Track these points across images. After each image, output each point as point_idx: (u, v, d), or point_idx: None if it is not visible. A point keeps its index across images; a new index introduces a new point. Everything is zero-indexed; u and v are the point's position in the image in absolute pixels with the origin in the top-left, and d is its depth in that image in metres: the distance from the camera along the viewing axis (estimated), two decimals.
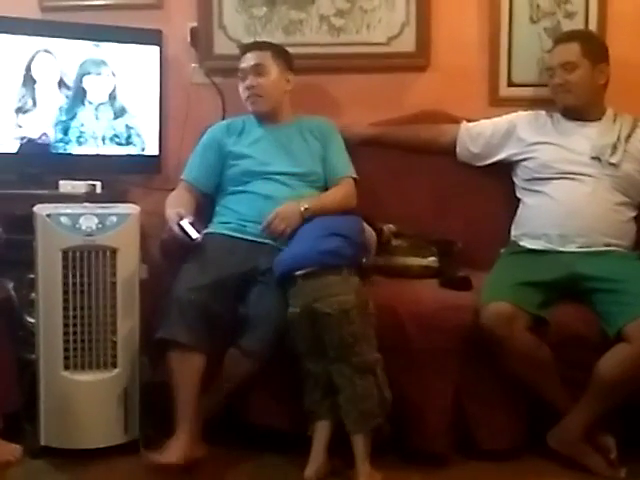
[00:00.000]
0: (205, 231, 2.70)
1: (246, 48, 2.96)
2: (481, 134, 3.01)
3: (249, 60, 2.90)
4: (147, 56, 3.19)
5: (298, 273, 2.44)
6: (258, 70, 2.87)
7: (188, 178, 2.90)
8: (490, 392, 2.53)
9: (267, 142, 2.90)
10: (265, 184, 2.81)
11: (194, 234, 2.57)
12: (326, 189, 2.88)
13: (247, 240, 2.71)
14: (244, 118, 2.98)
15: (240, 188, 2.84)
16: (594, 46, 2.89)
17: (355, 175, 2.90)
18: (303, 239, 2.58)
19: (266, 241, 2.70)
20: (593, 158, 2.77)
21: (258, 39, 3.16)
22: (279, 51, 2.94)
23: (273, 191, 2.79)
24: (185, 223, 2.59)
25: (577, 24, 3.14)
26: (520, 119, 2.98)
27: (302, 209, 2.66)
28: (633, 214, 2.79)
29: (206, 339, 2.47)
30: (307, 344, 2.43)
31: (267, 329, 2.48)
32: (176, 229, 2.59)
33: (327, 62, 3.24)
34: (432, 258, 2.80)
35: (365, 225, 2.68)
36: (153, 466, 2.39)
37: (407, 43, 3.22)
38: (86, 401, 2.57)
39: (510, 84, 3.22)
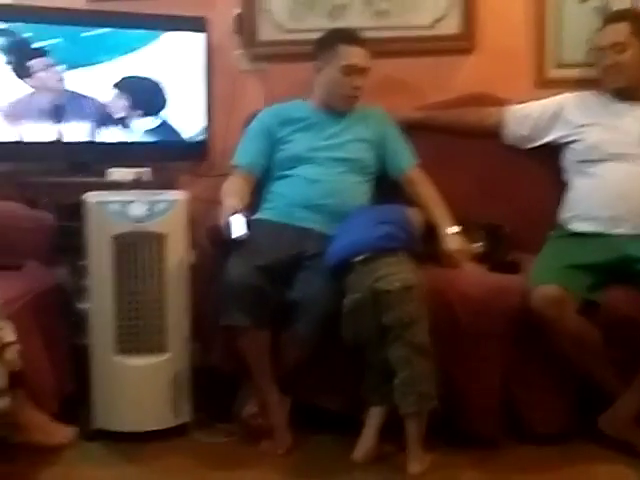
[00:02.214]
0: (253, 217, 2.72)
1: (359, 40, 2.86)
2: (528, 116, 2.98)
3: (363, 58, 2.83)
4: (193, 43, 3.21)
5: (357, 259, 2.45)
6: (366, 71, 2.84)
7: (241, 164, 2.88)
8: (539, 375, 2.52)
9: (319, 128, 2.88)
10: (312, 168, 2.81)
11: (237, 233, 2.54)
12: (376, 177, 2.89)
13: (294, 226, 2.72)
14: (294, 103, 2.97)
15: (287, 172, 2.84)
16: None
17: (416, 161, 2.92)
18: (354, 229, 2.59)
19: (313, 226, 2.71)
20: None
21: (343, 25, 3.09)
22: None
23: (320, 175, 2.79)
24: (235, 219, 2.56)
25: (626, 3, 3.08)
26: (568, 101, 2.94)
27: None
28: None
29: (265, 318, 2.51)
30: (367, 331, 2.42)
31: (315, 314, 2.49)
32: (225, 222, 2.58)
33: (371, 46, 3.20)
34: (480, 243, 2.79)
35: (412, 211, 2.68)
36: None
37: (452, 25, 3.20)
38: (137, 385, 2.61)
39: (557, 65, 3.18)
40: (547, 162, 2.97)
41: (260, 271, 2.50)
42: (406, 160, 2.92)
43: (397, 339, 2.39)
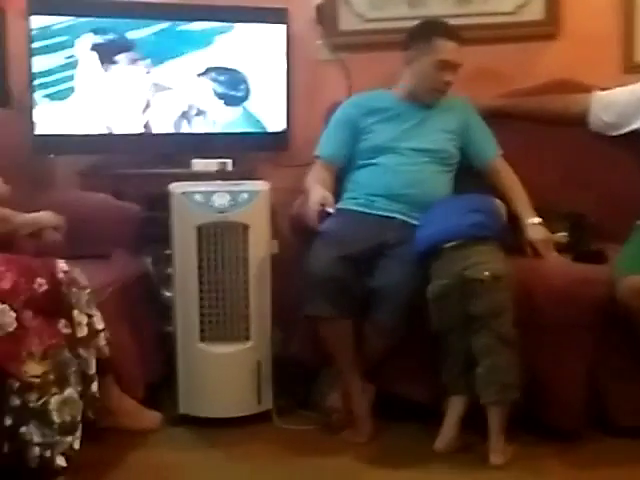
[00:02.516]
0: (336, 206, 2.72)
1: (456, 35, 2.80)
2: (615, 102, 2.90)
3: (457, 53, 2.79)
4: (273, 34, 3.24)
5: (447, 245, 2.45)
6: (456, 68, 2.80)
7: (325, 155, 2.89)
8: (625, 367, 2.46)
9: (402, 119, 2.86)
10: (394, 158, 2.80)
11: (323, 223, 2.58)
12: (459, 168, 2.87)
13: (376, 215, 2.72)
14: (378, 93, 2.95)
15: (369, 162, 2.84)
16: None
17: (500, 152, 2.89)
18: (443, 216, 2.57)
19: (394, 215, 2.71)
20: None
21: (440, 20, 2.95)
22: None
23: (401, 165, 2.78)
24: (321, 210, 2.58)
25: None
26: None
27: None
28: None
29: (347, 307, 2.52)
30: (452, 318, 2.41)
31: (397, 303, 2.49)
32: (311, 213, 2.59)
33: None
34: (563, 233, 2.74)
35: (498, 202, 2.66)
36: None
37: (536, 11, 3.14)
38: (221, 372, 2.66)
39: None
40: (634, 149, 2.89)
41: (342, 261, 2.51)
42: (490, 150, 2.89)
43: (483, 328, 2.37)
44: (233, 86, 3.24)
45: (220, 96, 3.22)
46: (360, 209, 2.76)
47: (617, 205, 2.86)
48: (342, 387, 2.62)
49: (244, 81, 3.23)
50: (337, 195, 2.84)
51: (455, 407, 2.44)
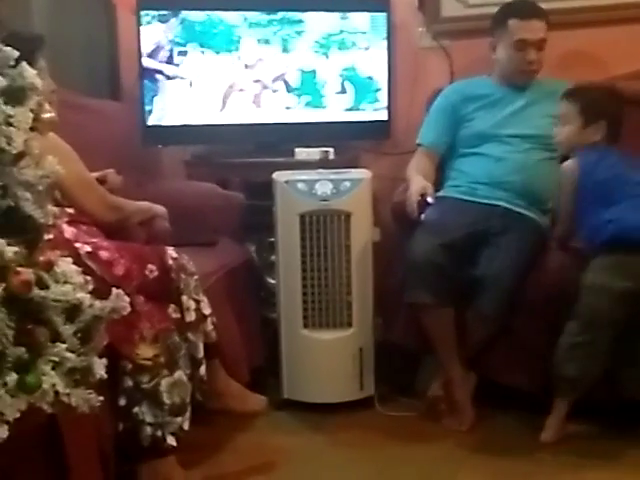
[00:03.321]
0: (438, 194, 2.72)
1: (530, 12, 2.77)
2: None
3: (536, 31, 2.76)
4: (375, 22, 3.24)
5: None
6: (541, 44, 2.77)
7: (426, 143, 2.89)
8: None
9: (503, 105, 2.84)
10: (497, 146, 2.77)
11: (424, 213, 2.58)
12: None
13: (478, 203, 2.70)
14: (478, 80, 2.95)
15: (472, 150, 2.82)
16: None
17: None
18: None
19: (498, 203, 2.68)
20: None
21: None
22: (547, 17, 2.80)
23: (505, 153, 2.75)
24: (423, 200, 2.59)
25: None
26: None
27: None
28: None
29: (449, 295, 2.53)
30: (612, 318, 2.31)
31: (500, 291, 2.48)
32: (412, 205, 2.60)
33: (557, 17, 3.10)
34: None
35: None
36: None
37: None
38: (324, 358, 2.70)
39: None
40: None
41: (444, 248, 2.51)
42: None
43: None
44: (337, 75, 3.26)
45: (320, 83, 3.24)
46: (463, 197, 2.74)
47: None
48: (443, 375, 2.63)
49: (348, 70, 3.25)
50: (439, 183, 2.83)
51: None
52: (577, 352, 2.33)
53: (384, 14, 3.25)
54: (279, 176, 2.68)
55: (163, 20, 3.10)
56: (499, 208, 2.67)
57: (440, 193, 2.77)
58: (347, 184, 2.65)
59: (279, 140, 3.21)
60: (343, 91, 3.26)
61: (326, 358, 2.70)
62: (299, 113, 3.24)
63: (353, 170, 2.77)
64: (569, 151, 2.57)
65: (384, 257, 2.72)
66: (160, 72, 3.12)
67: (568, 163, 2.51)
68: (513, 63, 2.80)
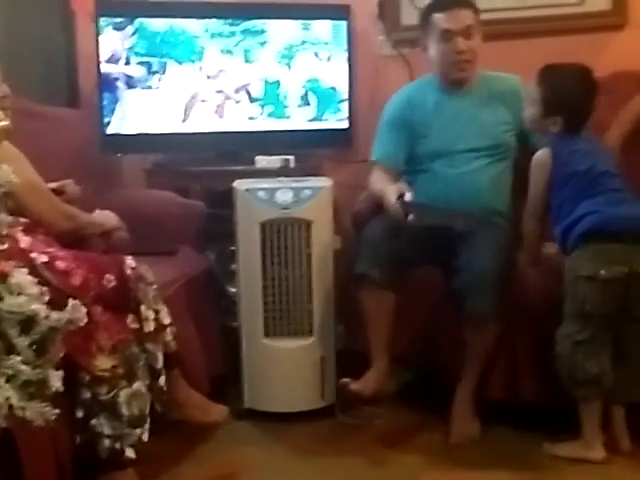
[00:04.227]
0: None
1: (452, 2, 2.69)
2: None
3: (460, 20, 2.66)
4: (336, 31, 3.24)
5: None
6: (468, 32, 2.66)
7: (381, 159, 2.80)
8: None
9: (453, 114, 2.74)
10: (452, 164, 2.69)
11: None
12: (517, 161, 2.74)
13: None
14: (423, 85, 2.84)
15: (426, 167, 2.74)
16: None
17: None
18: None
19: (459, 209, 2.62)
20: None
21: None
22: (476, 6, 2.73)
23: (460, 171, 2.68)
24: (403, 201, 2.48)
25: None
26: None
27: None
28: None
29: (397, 280, 2.53)
30: (607, 307, 2.30)
31: (490, 287, 2.43)
32: (396, 211, 2.47)
33: (516, 27, 3.16)
34: None
35: None
36: (348, 393, 2.56)
37: (602, 1, 3.08)
38: (285, 367, 2.69)
39: None
40: None
41: (406, 234, 2.49)
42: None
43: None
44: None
45: (282, 94, 3.24)
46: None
47: None
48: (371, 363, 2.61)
49: (311, 81, 3.25)
50: None
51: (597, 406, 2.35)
52: (586, 349, 2.30)
53: (344, 22, 3.26)
54: (240, 184, 2.67)
55: (120, 28, 3.07)
56: (463, 213, 2.60)
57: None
58: (308, 192, 2.65)
59: (240, 148, 3.21)
60: (307, 103, 3.26)
61: (287, 367, 2.69)
62: (260, 122, 3.23)
63: (314, 178, 2.77)
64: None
65: (345, 265, 2.71)
66: (119, 80, 3.09)
67: (540, 154, 2.46)
68: (444, 57, 2.70)
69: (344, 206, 2.88)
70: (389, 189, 2.56)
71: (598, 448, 2.34)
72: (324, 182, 2.70)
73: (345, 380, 2.59)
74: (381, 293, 2.56)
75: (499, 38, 3.10)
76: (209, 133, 3.19)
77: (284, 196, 2.64)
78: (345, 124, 3.29)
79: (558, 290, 2.37)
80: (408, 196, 2.48)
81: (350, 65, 3.28)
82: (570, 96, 2.44)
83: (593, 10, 3.09)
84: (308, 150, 3.28)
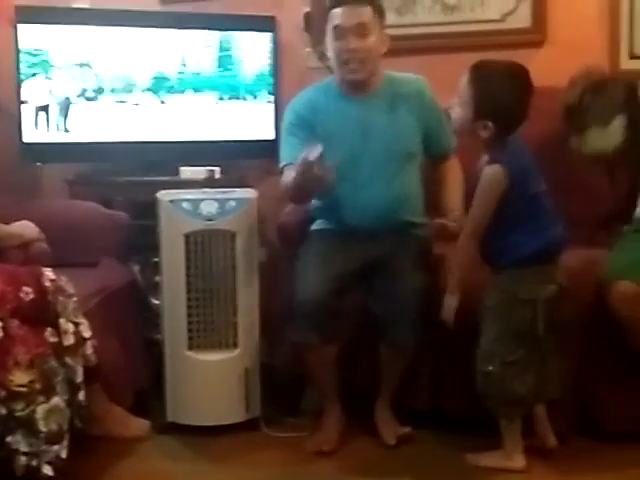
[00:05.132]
0: (313, 228, 2.70)
1: (342, 2, 2.55)
2: None
3: (352, 16, 2.52)
4: (262, 42, 3.25)
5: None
6: (360, 30, 2.52)
7: (292, 161, 2.56)
8: (613, 372, 2.48)
9: (356, 121, 2.60)
10: (359, 172, 2.58)
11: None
12: (430, 163, 2.72)
13: (356, 231, 2.58)
14: (323, 89, 2.70)
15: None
16: None
17: (455, 145, 2.72)
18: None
19: (375, 228, 2.57)
20: None
21: None
22: (378, 5, 2.59)
23: (367, 180, 2.58)
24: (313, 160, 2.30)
25: None
26: None
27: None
28: None
29: (335, 333, 2.49)
30: (541, 326, 2.31)
31: (410, 318, 2.45)
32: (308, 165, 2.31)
33: (440, 42, 3.22)
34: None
35: None
36: (308, 453, 2.51)
37: (522, 19, 3.17)
38: (209, 380, 2.65)
39: (632, 56, 3.11)
40: None
41: (330, 287, 2.44)
42: (445, 144, 2.71)
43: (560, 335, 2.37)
44: (222, 93, 3.25)
45: (209, 103, 3.22)
46: (336, 227, 2.64)
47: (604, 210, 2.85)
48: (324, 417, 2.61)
49: (234, 88, 3.24)
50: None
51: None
52: (515, 369, 2.31)
53: (270, 34, 3.26)
54: (163, 195, 2.64)
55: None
56: (378, 232, 2.57)
57: (315, 227, 2.71)
58: (232, 204, 2.63)
59: (165, 159, 3.17)
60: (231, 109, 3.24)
61: (211, 380, 2.66)
62: (185, 132, 3.20)
63: (239, 190, 2.74)
64: (460, 134, 2.49)
65: (270, 277, 2.70)
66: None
67: (493, 171, 2.28)
68: (336, 55, 2.58)
69: (269, 218, 2.86)
70: (295, 166, 2.42)
71: (519, 457, 2.37)
72: (249, 193, 2.69)
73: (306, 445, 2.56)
74: (323, 351, 2.52)
75: (422, 52, 3.16)
76: (133, 143, 3.15)
77: (208, 207, 2.62)
78: (271, 135, 3.29)
79: (475, 304, 2.37)
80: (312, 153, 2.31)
81: (276, 76, 3.28)
82: (504, 100, 2.28)
83: (514, 27, 3.18)
84: (234, 161, 3.27)
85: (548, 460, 2.41)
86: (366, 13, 2.54)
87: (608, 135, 2.74)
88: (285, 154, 2.66)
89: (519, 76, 2.32)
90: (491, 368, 2.32)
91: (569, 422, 2.48)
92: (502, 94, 2.29)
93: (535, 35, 3.17)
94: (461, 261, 2.38)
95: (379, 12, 2.58)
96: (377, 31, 2.56)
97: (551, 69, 3.11)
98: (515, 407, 2.35)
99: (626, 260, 2.49)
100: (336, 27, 2.55)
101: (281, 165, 2.67)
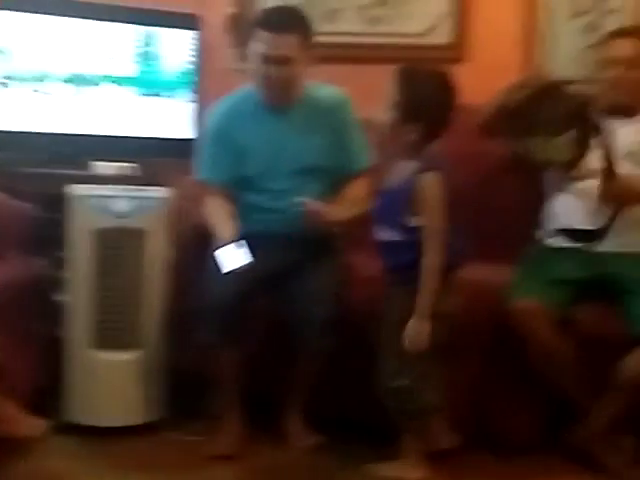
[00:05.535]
0: None
1: (278, 25, 2.50)
2: None
3: (279, 47, 2.50)
4: (185, 40, 3.21)
5: None
6: (283, 60, 2.51)
7: (209, 179, 2.67)
8: (511, 388, 2.54)
9: (272, 135, 2.62)
10: (274, 182, 2.61)
11: (233, 264, 2.39)
12: (337, 182, 2.68)
13: (267, 238, 2.53)
14: (245, 97, 2.67)
15: (247, 189, 2.65)
16: None
17: (370, 164, 2.70)
18: None
19: (289, 232, 2.57)
20: (629, 154, 2.71)
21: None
22: (305, 28, 2.55)
23: (282, 190, 2.59)
24: (226, 251, 2.41)
25: (618, 21, 3.11)
26: None
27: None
28: None
29: (242, 337, 2.49)
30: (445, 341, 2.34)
31: (324, 323, 2.45)
32: (219, 255, 2.42)
33: (364, 52, 3.25)
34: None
35: None
36: (207, 457, 2.49)
37: (444, 35, 3.23)
38: (111, 380, 2.62)
39: None
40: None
41: (241, 287, 2.43)
42: (356, 162, 2.70)
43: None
44: (142, 88, 3.20)
45: (127, 98, 3.17)
46: (252, 233, 2.53)
47: (510, 228, 2.90)
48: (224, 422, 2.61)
49: (154, 84, 3.20)
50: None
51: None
52: (425, 381, 2.34)
53: (195, 32, 3.23)
54: (74, 190, 2.59)
55: None
56: (291, 240, 2.56)
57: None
58: (145, 202, 2.61)
59: (79, 151, 3.10)
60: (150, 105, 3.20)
61: (114, 380, 2.62)
62: (100, 126, 3.14)
63: (152, 188, 2.70)
64: (388, 137, 2.40)
65: (179, 278, 2.67)
66: None
67: (434, 179, 2.27)
68: (258, 76, 2.57)
69: (182, 217, 2.83)
70: (220, 234, 2.47)
71: (419, 468, 2.39)
72: (162, 192, 2.66)
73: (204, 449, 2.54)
74: (228, 354, 2.52)
75: (346, 61, 3.17)
76: (45, 134, 3.07)
77: (120, 204, 2.58)
78: (190, 135, 3.25)
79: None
80: (240, 244, 2.41)
81: (197, 76, 3.25)
82: (431, 103, 2.30)
83: (435, 42, 3.24)
84: (149, 159, 3.22)
85: (446, 471, 2.43)
86: (291, 43, 2.51)
87: (558, 147, 2.76)
88: (205, 166, 2.69)
89: (444, 80, 2.36)
90: (401, 382, 2.32)
91: (467, 435, 2.51)
92: (429, 96, 2.31)
93: (455, 52, 3.23)
94: (432, 286, 2.28)
95: (305, 35, 2.55)
96: (302, 55, 2.54)
97: (469, 86, 3.13)
98: (424, 419, 2.39)
99: (528, 278, 2.55)
100: (261, 54, 2.52)
101: (200, 177, 2.69)
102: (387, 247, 2.37)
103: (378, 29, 3.25)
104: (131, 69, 3.18)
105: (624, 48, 2.79)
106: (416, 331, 2.27)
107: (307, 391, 2.60)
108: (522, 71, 3.20)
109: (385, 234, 2.36)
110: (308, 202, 2.44)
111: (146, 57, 3.19)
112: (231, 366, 2.54)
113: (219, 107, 2.73)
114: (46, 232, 2.78)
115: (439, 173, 2.28)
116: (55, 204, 2.63)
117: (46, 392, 2.67)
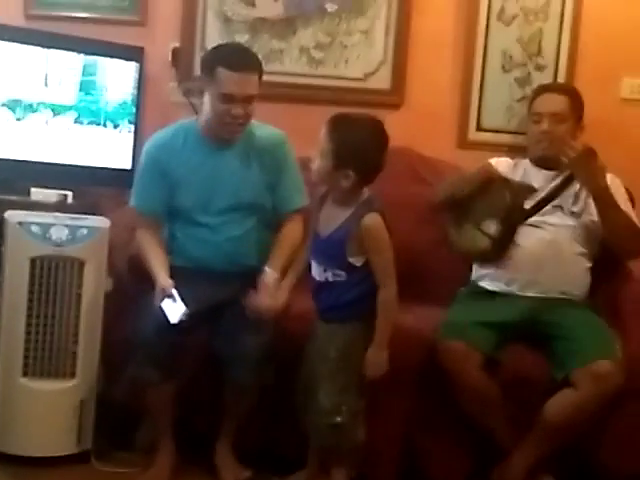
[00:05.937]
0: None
1: (241, 64, 2.52)
2: None
3: (245, 86, 2.52)
4: (128, 71, 3.24)
5: None
6: (248, 99, 2.54)
7: (140, 208, 2.69)
8: (440, 426, 2.60)
9: (208, 170, 2.64)
10: (210, 217, 2.64)
11: (175, 317, 2.39)
12: (272, 218, 2.72)
13: (203, 272, 2.60)
14: (183, 131, 2.69)
15: (182, 221, 2.67)
16: (579, 104, 2.94)
17: (305, 203, 2.74)
18: None
19: (224, 265, 2.63)
20: (555, 207, 2.81)
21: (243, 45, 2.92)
22: (261, 68, 2.59)
23: (218, 225, 2.64)
24: (169, 303, 2.43)
25: (547, 77, 3.27)
26: (501, 165, 2.97)
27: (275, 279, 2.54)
28: (589, 265, 2.82)
29: (176, 371, 2.50)
30: None
31: (255, 359, 2.47)
32: (160, 307, 2.43)
33: (304, 92, 3.32)
34: None
35: None
36: None
37: (383, 80, 3.33)
38: (42, 409, 2.59)
39: (479, 128, 3.34)
40: None
41: (175, 327, 2.41)
42: (290, 202, 2.73)
43: None
44: (83, 117, 3.20)
45: (67, 126, 3.17)
46: (189, 266, 2.62)
47: (444, 270, 3.00)
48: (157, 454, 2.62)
49: (95, 113, 3.21)
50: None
51: None
52: (360, 417, 2.40)
53: (137, 64, 3.25)
54: (12, 216, 2.57)
55: None
56: (227, 275, 2.60)
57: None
58: (84, 231, 2.60)
59: (15, 178, 3.07)
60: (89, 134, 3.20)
61: (44, 409, 2.59)
62: (39, 152, 3.12)
63: (91, 217, 2.69)
64: (321, 184, 2.46)
65: (115, 308, 2.67)
66: None
67: (376, 219, 2.34)
68: (219, 117, 2.55)
69: (119, 247, 2.83)
70: (160, 284, 2.48)
71: None
72: (101, 222, 2.65)
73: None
74: (162, 388, 2.51)
75: (289, 101, 3.24)
76: None
77: (58, 233, 2.57)
78: (128, 165, 3.26)
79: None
80: (174, 294, 2.43)
81: (138, 108, 3.27)
82: (363, 148, 2.33)
83: (374, 87, 3.34)
84: (87, 187, 3.21)
85: None
86: (254, 82, 2.54)
87: (474, 238, 2.88)
88: (138, 196, 2.70)
89: (375, 126, 2.39)
90: (339, 419, 2.36)
91: (397, 473, 2.57)
92: (361, 142, 2.34)
93: (393, 97, 3.33)
94: (392, 316, 2.36)
95: (261, 74, 2.58)
96: (258, 94, 2.58)
97: (406, 131, 3.27)
98: (359, 454, 2.43)
99: (458, 320, 2.62)
100: (227, 94, 2.51)
101: (133, 206, 2.71)
102: (327, 287, 2.42)
103: (320, 71, 3.32)
104: (72, 97, 3.17)
105: (550, 104, 2.92)
106: (377, 360, 2.36)
107: (238, 425, 2.62)
108: (456, 121, 3.33)
109: (326, 275, 2.41)
110: (252, 296, 2.46)
111: (88, 86, 3.19)
112: (164, 399, 2.55)
113: (155, 138, 2.74)
114: None
115: (379, 214, 2.35)
116: None
117: None
